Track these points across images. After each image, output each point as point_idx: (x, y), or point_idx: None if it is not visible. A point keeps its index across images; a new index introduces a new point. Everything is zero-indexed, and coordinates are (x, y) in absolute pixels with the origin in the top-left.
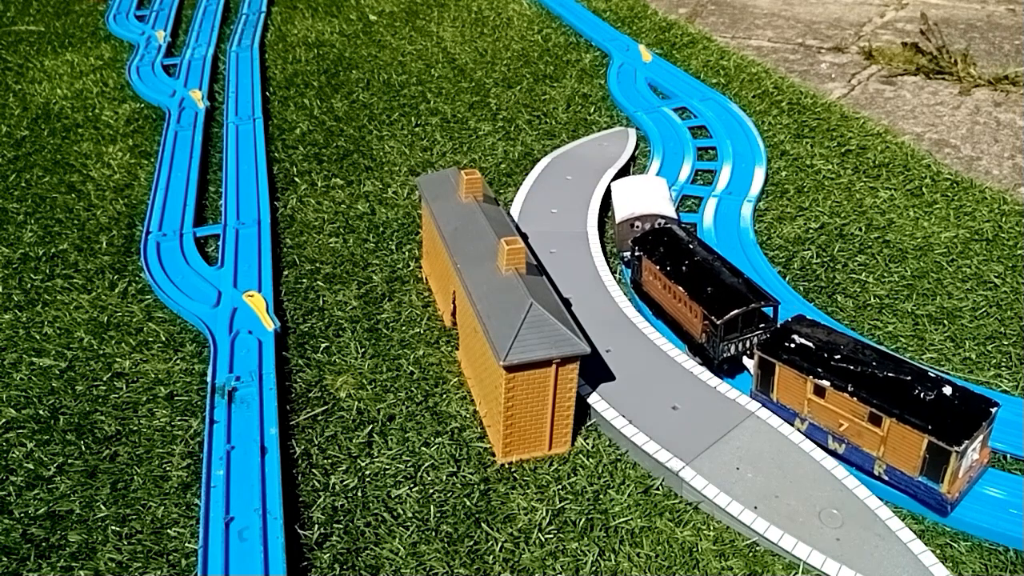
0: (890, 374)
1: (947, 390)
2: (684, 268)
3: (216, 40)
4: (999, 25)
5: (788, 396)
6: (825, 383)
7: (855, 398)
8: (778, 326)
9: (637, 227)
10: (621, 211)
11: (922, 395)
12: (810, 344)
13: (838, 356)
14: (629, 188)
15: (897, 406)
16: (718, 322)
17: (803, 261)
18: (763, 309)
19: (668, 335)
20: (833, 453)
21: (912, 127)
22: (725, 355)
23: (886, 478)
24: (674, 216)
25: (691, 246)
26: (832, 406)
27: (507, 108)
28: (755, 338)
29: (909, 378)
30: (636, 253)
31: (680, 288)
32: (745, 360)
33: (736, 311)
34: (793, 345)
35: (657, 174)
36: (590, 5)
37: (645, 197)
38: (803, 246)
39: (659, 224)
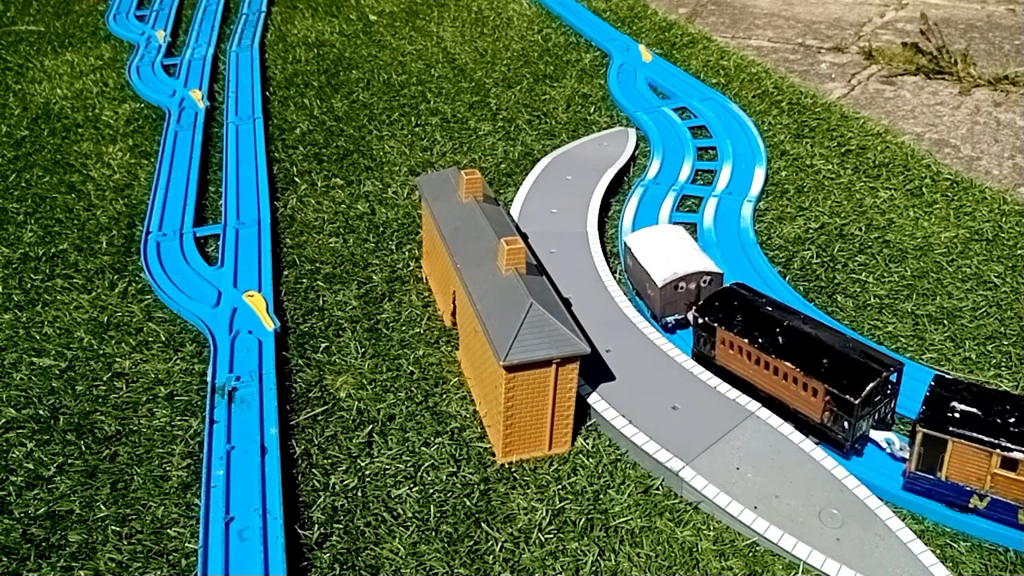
0: None
1: None
2: (780, 338)
3: (216, 40)
4: (999, 25)
5: (963, 473)
6: (1021, 455)
7: None
8: (928, 395)
9: (681, 288)
10: (659, 272)
11: None
12: (975, 410)
13: (1012, 419)
14: (654, 244)
15: None
16: (856, 400)
17: (803, 261)
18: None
19: (670, 338)
20: None
21: (912, 127)
22: (859, 434)
23: None
24: (718, 270)
25: (769, 309)
26: None
27: (507, 108)
28: (882, 409)
29: None
30: (702, 322)
31: (787, 363)
32: (873, 434)
33: (871, 384)
34: (958, 415)
35: (657, 174)
36: (590, 5)
37: (679, 253)
38: (803, 246)
39: (705, 282)
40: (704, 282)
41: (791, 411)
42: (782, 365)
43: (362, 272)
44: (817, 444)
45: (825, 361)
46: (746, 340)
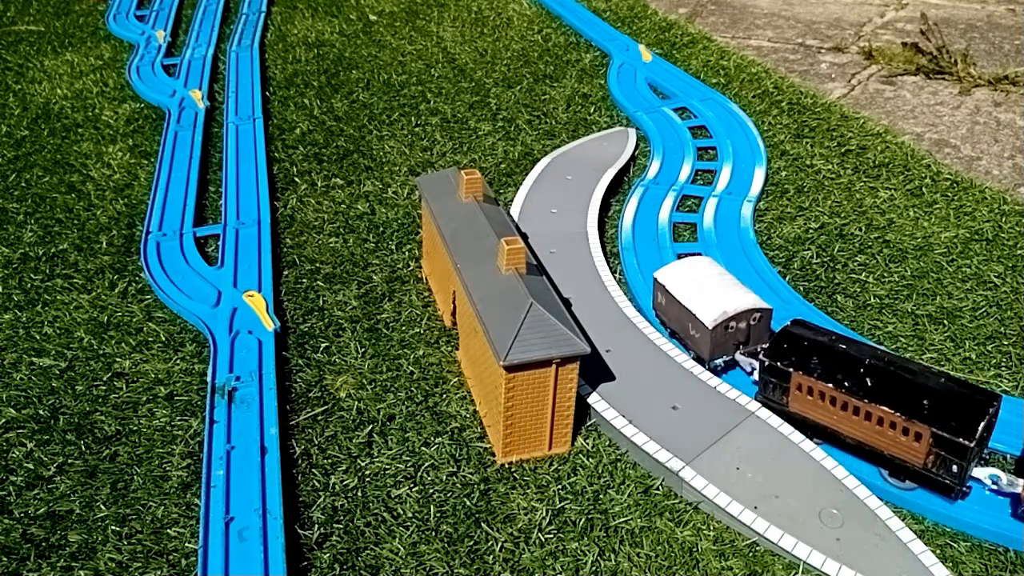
0: None
1: None
2: (868, 379)
3: (216, 40)
4: (999, 25)
5: None
6: None
7: None
8: None
9: (732, 328)
10: (707, 313)
11: None
12: None
13: None
14: (692, 280)
15: None
16: (971, 443)
17: (803, 261)
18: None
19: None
20: None
21: (912, 127)
22: (969, 475)
23: None
24: (767, 306)
25: (844, 347)
26: None
27: (507, 108)
28: (984, 445)
29: None
30: (770, 366)
31: (884, 408)
32: (976, 472)
33: (982, 423)
34: None
35: (657, 174)
36: (590, 5)
37: (722, 289)
38: (803, 246)
39: (755, 319)
40: (754, 320)
41: (886, 457)
42: (877, 410)
43: (362, 272)
44: (914, 488)
45: (925, 402)
46: (831, 385)
